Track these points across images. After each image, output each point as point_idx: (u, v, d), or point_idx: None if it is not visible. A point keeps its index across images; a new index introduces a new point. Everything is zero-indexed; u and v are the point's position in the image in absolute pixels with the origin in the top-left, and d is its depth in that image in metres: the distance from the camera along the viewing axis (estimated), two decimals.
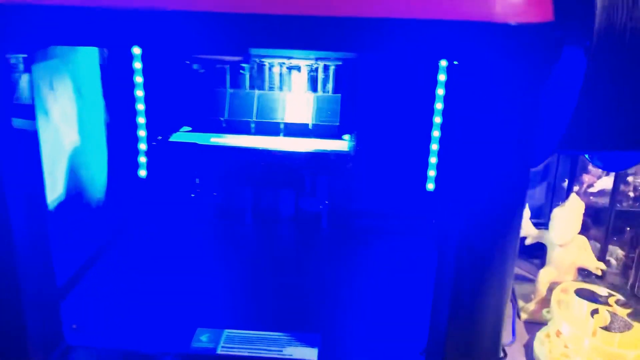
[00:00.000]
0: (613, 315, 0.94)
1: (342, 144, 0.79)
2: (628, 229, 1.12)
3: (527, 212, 1.09)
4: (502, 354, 0.91)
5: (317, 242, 1.02)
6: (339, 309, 0.84)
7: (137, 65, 1.03)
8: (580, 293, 1.00)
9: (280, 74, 0.87)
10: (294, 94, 0.86)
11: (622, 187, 1.11)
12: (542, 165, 1.29)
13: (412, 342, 0.72)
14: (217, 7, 0.55)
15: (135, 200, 1.10)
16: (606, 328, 0.93)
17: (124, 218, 1.07)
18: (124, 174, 1.09)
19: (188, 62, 0.60)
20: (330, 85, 0.87)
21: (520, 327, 1.05)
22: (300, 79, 0.87)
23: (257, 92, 0.85)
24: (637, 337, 0.91)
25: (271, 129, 0.83)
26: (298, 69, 0.86)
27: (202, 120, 0.84)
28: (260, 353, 0.75)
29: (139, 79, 1.04)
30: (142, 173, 1.10)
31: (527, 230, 1.10)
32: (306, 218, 1.03)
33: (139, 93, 1.05)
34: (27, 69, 0.67)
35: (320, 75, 0.86)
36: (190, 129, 0.85)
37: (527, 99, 0.59)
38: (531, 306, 1.07)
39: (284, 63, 0.85)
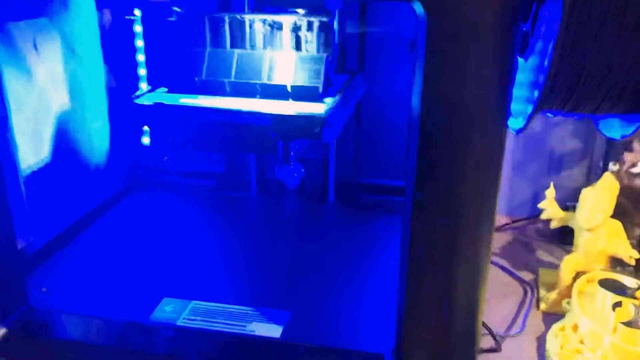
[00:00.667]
0: (638, 309, 0.82)
1: (319, 107, 0.72)
2: None
3: (552, 192, 0.98)
4: (494, 345, 0.82)
5: (298, 214, 0.97)
6: (312, 287, 0.78)
7: (138, 28, 1.01)
8: (604, 284, 0.88)
9: (263, 33, 0.80)
10: (275, 54, 0.79)
11: None
12: (581, 143, 1.16)
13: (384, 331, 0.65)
14: None
15: (134, 166, 1.08)
16: (629, 324, 0.81)
17: (121, 182, 1.05)
18: (126, 139, 1.08)
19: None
20: (314, 44, 0.80)
21: (537, 319, 0.94)
22: (283, 38, 0.80)
23: (236, 51, 0.79)
24: None
25: (248, 91, 0.77)
26: (280, 26, 0.79)
27: (179, 81, 0.79)
28: (222, 327, 0.71)
29: (139, 43, 1.02)
30: (145, 140, 1.08)
31: (553, 212, 0.99)
32: (284, 188, 0.98)
33: (140, 57, 1.03)
34: None
35: (304, 33, 0.79)
36: (165, 89, 0.80)
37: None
38: (552, 296, 0.96)
39: (266, 20, 0.78)
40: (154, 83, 0.85)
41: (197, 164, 1.07)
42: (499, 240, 1.17)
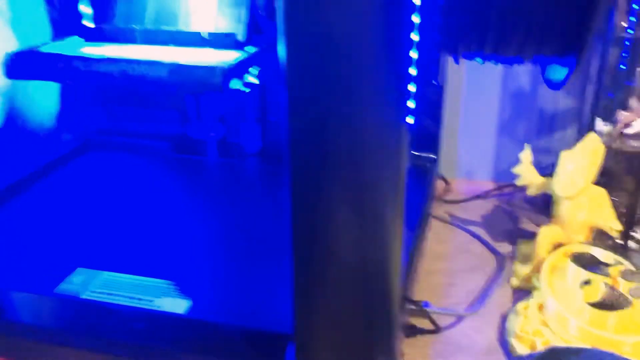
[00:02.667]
0: (610, 288, 0.72)
1: (231, 56, 0.63)
2: None
3: (528, 155, 0.87)
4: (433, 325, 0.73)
5: (250, 179, 0.89)
6: (228, 262, 0.70)
7: None
8: (578, 259, 0.78)
9: None
10: None
11: None
12: (574, 101, 1.03)
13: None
14: None
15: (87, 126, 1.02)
16: (598, 305, 0.71)
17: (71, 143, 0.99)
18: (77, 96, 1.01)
19: None
20: None
21: (507, 296, 0.84)
22: None
23: None
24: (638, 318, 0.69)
25: (162, 38, 0.69)
26: None
27: (90, 28, 0.71)
28: (127, 302, 0.64)
29: None
30: None
31: (529, 177, 0.88)
32: (195, 147, 0.89)
33: None
34: None
35: None
36: (79, 38, 0.73)
37: None
38: (524, 270, 0.86)
39: None
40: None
41: (152, 123, 1.00)
42: (480, 207, 1.06)
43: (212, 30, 0.68)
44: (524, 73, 1.04)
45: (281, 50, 0.40)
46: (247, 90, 0.64)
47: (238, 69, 0.60)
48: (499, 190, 1.10)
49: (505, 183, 1.10)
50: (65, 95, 0.98)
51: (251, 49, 0.67)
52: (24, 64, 0.66)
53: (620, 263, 0.76)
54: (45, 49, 0.68)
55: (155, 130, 1.01)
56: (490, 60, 0.47)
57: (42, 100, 0.96)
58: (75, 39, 0.73)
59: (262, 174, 0.95)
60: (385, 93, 0.44)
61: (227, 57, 0.63)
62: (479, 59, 0.49)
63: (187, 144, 0.98)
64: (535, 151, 0.87)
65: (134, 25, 0.69)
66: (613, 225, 0.82)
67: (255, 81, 0.65)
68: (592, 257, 0.78)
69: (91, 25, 0.71)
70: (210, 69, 0.59)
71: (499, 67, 1.05)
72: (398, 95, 0.44)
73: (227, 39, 0.67)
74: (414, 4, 0.44)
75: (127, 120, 1.02)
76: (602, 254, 0.78)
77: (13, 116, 0.89)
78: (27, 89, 0.91)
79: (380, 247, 0.49)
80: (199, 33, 0.67)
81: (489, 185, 1.12)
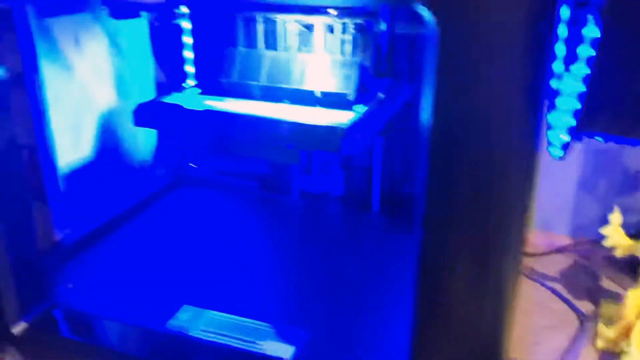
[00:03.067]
0: None
1: (345, 116, 0.67)
2: None
3: (617, 217, 0.87)
4: None
5: (336, 222, 0.92)
6: (331, 307, 0.73)
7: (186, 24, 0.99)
8: None
9: (298, 33, 0.76)
10: (308, 57, 0.75)
11: None
12: None
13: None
14: None
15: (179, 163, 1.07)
16: None
17: (165, 179, 1.05)
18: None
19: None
20: (350, 48, 0.74)
21: (593, 357, 0.84)
22: (319, 40, 0.75)
23: (267, 52, 0.76)
24: None
25: (277, 95, 0.73)
26: (313, 28, 0.74)
27: (210, 81, 0.76)
28: (233, 342, 0.67)
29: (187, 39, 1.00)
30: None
31: (618, 239, 0.88)
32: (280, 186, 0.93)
33: (188, 54, 1.02)
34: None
35: (340, 35, 0.74)
36: (199, 89, 0.78)
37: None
38: (611, 333, 0.86)
39: (300, 21, 0.74)
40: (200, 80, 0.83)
41: (242, 163, 1.04)
42: (558, 262, 1.06)
43: (324, 90, 0.72)
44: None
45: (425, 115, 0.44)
46: None
47: (353, 130, 0.63)
48: (577, 246, 1.10)
49: (584, 239, 1.10)
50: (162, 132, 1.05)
51: (360, 108, 0.70)
52: (150, 114, 0.71)
53: None
54: (168, 100, 0.74)
55: (243, 168, 1.06)
56: (613, 140, 0.49)
57: (141, 135, 1.02)
58: (194, 91, 0.79)
59: (348, 218, 0.98)
60: (518, 168, 0.46)
61: (342, 117, 0.67)
62: (600, 138, 0.51)
63: (274, 183, 1.02)
64: (618, 208, 0.87)
65: (249, 82, 0.74)
66: None
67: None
68: None
69: (206, 80, 0.77)
70: (329, 130, 0.63)
71: None
72: (529, 167, 0.47)
73: (338, 99, 0.70)
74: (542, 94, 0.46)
75: (217, 158, 1.07)
76: None
77: (112, 149, 0.95)
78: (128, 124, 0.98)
79: (497, 308, 0.52)
80: (313, 92, 0.71)
81: (566, 239, 1.12)
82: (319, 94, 0.71)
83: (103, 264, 0.84)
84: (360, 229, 0.94)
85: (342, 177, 0.73)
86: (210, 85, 0.77)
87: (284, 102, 0.73)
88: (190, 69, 1.02)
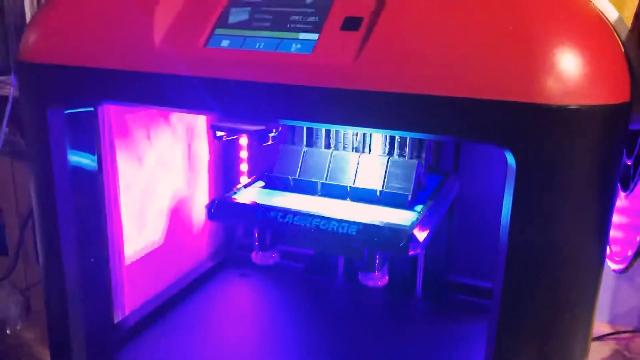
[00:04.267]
0: None
1: (407, 216, 0.72)
2: None
3: None
4: None
5: (380, 308, 0.95)
6: None
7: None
8: None
9: (356, 134, 0.82)
10: (369, 157, 0.80)
11: None
12: None
13: None
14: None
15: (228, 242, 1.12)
16: None
17: (220, 265, 1.09)
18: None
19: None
20: (407, 149, 0.80)
21: None
22: (377, 140, 0.81)
23: (331, 152, 0.82)
24: None
25: (339, 193, 0.78)
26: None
27: (274, 177, 0.82)
28: None
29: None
30: None
31: None
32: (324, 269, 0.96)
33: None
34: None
35: (399, 137, 0.80)
36: (263, 184, 0.84)
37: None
38: None
39: None
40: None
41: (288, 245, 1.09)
42: (596, 350, 1.08)
43: (384, 189, 0.77)
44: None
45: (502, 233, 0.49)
46: None
47: (418, 233, 0.68)
48: (616, 334, 1.12)
49: (623, 328, 1.12)
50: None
51: (419, 207, 0.75)
52: (224, 210, 0.76)
53: None
54: (238, 196, 0.79)
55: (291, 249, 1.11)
56: None
57: (197, 217, 1.08)
58: (259, 184, 0.84)
59: (394, 304, 1.00)
60: (588, 279, 0.51)
61: (405, 217, 0.72)
62: None
63: (318, 266, 1.07)
64: None
65: (311, 179, 0.79)
66: None
67: None
68: None
69: (267, 175, 0.83)
70: (397, 232, 0.67)
71: None
72: (598, 278, 0.52)
73: (398, 199, 0.76)
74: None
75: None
76: None
77: (170, 230, 1.01)
78: (187, 206, 1.04)
79: None
80: (373, 191, 0.76)
81: (605, 327, 1.14)
82: (378, 193, 0.76)
83: (158, 346, 0.87)
84: (406, 314, 0.97)
85: (385, 276, 0.77)
86: (272, 180, 0.83)
87: (344, 200, 0.78)
88: (243, 167, 1.10)
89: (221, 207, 0.77)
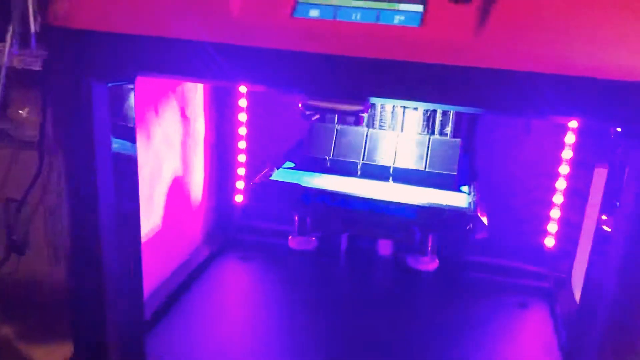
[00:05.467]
0: None
1: (460, 198, 0.70)
2: None
3: None
4: None
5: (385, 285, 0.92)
6: None
7: (242, 117, 1.01)
8: None
9: (393, 112, 0.79)
10: (407, 135, 0.78)
11: None
12: None
13: None
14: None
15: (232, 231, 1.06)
16: None
17: (220, 248, 1.03)
18: (223, 203, 1.06)
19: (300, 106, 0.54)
20: (449, 128, 0.78)
21: None
22: (415, 119, 0.78)
23: (367, 130, 0.78)
24: None
25: (379, 173, 0.75)
26: (415, 108, 0.77)
27: (307, 157, 0.78)
28: None
29: (242, 117, 1.01)
30: (239, 200, 1.06)
31: None
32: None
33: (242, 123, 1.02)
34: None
35: (439, 116, 0.77)
36: (293, 165, 0.79)
37: None
38: None
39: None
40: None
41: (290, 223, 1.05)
42: None
43: (430, 170, 0.75)
44: None
45: None
46: None
47: (481, 214, 0.66)
48: None
49: None
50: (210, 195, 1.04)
51: (464, 188, 0.74)
52: (267, 192, 0.71)
53: None
54: (279, 178, 0.74)
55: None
56: None
57: (195, 200, 1.01)
58: (289, 165, 0.80)
59: (400, 281, 0.98)
60: None
61: (459, 198, 0.70)
62: None
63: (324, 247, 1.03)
64: None
65: (351, 159, 0.76)
66: None
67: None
68: None
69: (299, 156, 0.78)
70: (458, 213, 0.65)
71: None
72: None
73: (445, 179, 0.74)
74: None
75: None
76: None
77: (173, 216, 0.94)
78: (187, 189, 0.97)
79: None
80: (420, 171, 0.74)
81: None
82: (425, 174, 0.74)
83: (179, 333, 0.81)
84: (413, 291, 0.94)
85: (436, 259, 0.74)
86: (306, 160, 0.78)
87: (389, 181, 0.75)
88: (241, 145, 1.04)
89: (266, 189, 0.71)
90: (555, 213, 0.96)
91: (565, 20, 0.47)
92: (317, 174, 0.76)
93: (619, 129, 0.50)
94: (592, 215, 1.13)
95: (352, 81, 0.51)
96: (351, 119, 0.55)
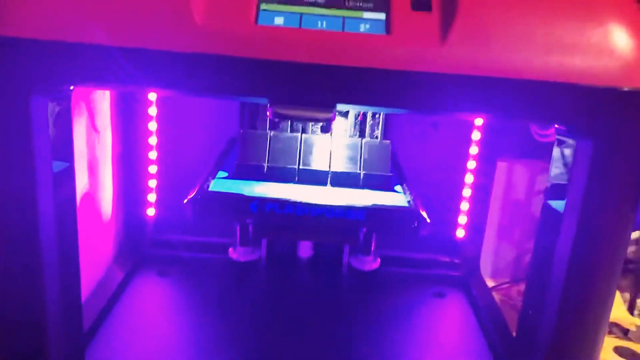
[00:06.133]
0: None
1: (399, 198, 0.73)
2: None
3: None
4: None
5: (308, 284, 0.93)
6: None
7: (152, 126, 0.96)
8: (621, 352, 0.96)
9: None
10: (340, 139, 0.79)
11: None
12: None
13: None
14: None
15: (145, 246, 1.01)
16: None
17: (134, 264, 0.98)
18: (134, 217, 1.01)
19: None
20: (378, 131, 0.80)
21: None
22: (347, 123, 0.80)
23: (300, 135, 0.78)
24: None
25: (317, 178, 0.76)
26: (345, 114, 0.79)
27: (241, 165, 0.76)
28: None
29: (152, 125, 0.97)
30: (151, 213, 1.02)
31: None
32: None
33: (151, 127, 0.98)
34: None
35: (369, 119, 0.80)
36: (227, 174, 0.77)
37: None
38: None
39: None
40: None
41: (208, 234, 1.02)
42: None
43: (366, 172, 0.77)
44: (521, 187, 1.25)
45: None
46: None
47: (423, 211, 0.69)
48: (498, 286, 1.27)
49: (503, 280, 1.28)
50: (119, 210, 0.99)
51: (398, 188, 0.77)
52: (207, 205, 0.69)
53: None
54: (219, 189, 0.72)
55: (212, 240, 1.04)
56: None
57: (106, 218, 0.95)
58: (223, 174, 0.78)
59: (320, 280, 0.98)
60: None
61: (398, 198, 0.73)
62: None
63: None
64: (528, 251, 1.05)
65: (287, 165, 0.76)
66: (633, 320, 1.02)
67: None
68: (630, 351, 0.96)
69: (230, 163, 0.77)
70: (403, 212, 0.68)
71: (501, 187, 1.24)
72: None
73: (381, 180, 0.76)
74: None
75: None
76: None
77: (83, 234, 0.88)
78: (97, 205, 0.91)
79: None
80: (357, 174, 0.75)
81: (489, 281, 1.29)
82: (362, 177, 0.76)
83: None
84: (334, 288, 0.95)
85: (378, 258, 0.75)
86: (242, 169, 0.77)
87: (325, 185, 0.76)
88: (152, 155, 0.99)
89: (208, 202, 0.69)
90: (464, 205, 1.03)
91: (523, 26, 0.50)
92: (255, 182, 0.75)
93: (559, 126, 0.56)
94: (496, 205, 1.23)
95: (319, 89, 0.51)
96: (329, 127, 0.54)
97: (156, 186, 1.02)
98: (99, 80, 0.51)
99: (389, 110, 0.72)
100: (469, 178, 1.01)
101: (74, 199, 0.60)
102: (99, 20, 0.49)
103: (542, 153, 1.11)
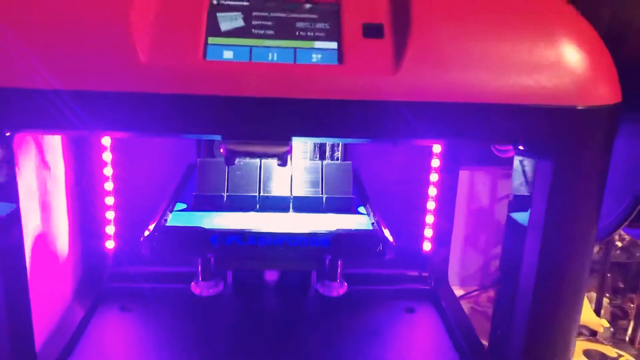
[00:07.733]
0: None
1: (362, 220, 0.72)
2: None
3: None
4: None
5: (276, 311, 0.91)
6: None
7: (107, 156, 0.93)
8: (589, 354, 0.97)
9: None
10: (300, 163, 0.78)
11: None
12: None
13: None
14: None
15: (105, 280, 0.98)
16: None
17: (94, 301, 0.94)
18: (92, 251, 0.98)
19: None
20: (339, 153, 0.79)
21: None
22: (306, 145, 0.79)
23: (259, 161, 0.76)
24: None
25: (278, 204, 0.74)
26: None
27: (199, 196, 0.74)
28: None
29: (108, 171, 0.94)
30: (110, 246, 0.98)
31: None
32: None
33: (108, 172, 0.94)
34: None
35: (329, 143, 0.78)
36: (185, 206, 0.75)
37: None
38: None
39: None
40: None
41: (170, 264, 0.99)
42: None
43: (328, 195, 0.75)
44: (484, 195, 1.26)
45: None
46: None
47: (387, 234, 0.68)
48: (467, 295, 1.28)
49: (471, 288, 1.28)
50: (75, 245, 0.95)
51: (362, 209, 0.76)
52: (167, 241, 0.66)
53: (621, 355, 0.96)
54: (177, 223, 0.69)
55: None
56: None
57: (62, 254, 0.91)
58: (181, 206, 0.75)
59: (287, 305, 0.96)
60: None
61: (361, 221, 0.72)
62: None
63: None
64: (495, 257, 1.05)
65: (245, 193, 0.74)
66: (601, 322, 1.03)
67: None
68: (599, 353, 0.98)
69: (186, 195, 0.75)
70: (367, 237, 0.67)
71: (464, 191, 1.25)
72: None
73: (344, 203, 0.75)
74: None
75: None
76: (604, 349, 0.98)
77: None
78: (51, 243, 0.88)
79: None
80: (319, 198, 0.74)
81: (457, 290, 1.29)
82: (324, 200, 0.74)
83: None
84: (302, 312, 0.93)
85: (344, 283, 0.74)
86: (200, 200, 0.74)
87: (287, 211, 0.74)
88: (108, 186, 0.96)
89: (167, 237, 0.66)
90: (429, 218, 1.03)
91: (476, 50, 0.50)
92: (215, 213, 0.73)
93: (521, 147, 0.55)
94: (460, 214, 1.23)
95: (273, 123, 0.49)
96: (286, 160, 0.52)
97: (114, 218, 0.99)
98: (40, 125, 0.49)
99: (347, 141, 0.71)
100: (432, 190, 1.01)
101: (21, 243, 0.57)
102: (34, 62, 0.47)
103: (503, 160, 1.13)
